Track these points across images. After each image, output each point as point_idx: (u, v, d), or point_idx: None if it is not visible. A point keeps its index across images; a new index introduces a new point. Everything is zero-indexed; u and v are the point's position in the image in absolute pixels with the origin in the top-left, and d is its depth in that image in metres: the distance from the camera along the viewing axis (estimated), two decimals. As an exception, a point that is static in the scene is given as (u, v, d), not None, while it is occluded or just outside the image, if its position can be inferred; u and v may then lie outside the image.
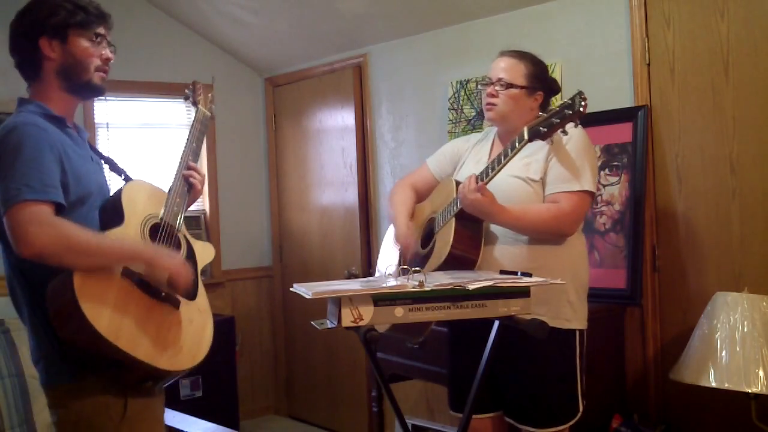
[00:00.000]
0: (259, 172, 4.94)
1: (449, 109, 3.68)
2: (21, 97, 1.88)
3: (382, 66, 4.11)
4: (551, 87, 2.43)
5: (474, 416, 2.37)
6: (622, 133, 2.96)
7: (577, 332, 2.31)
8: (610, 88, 3.00)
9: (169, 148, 4.56)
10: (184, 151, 2.08)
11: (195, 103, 2.22)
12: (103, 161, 2.05)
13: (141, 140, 4.47)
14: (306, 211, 4.68)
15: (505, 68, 2.36)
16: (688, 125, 2.83)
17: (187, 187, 2.04)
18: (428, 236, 2.43)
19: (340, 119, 4.38)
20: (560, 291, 2.25)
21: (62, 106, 1.88)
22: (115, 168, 2.09)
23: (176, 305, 1.84)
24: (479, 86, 2.73)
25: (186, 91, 2.28)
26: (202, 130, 2.16)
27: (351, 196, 4.32)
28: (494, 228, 2.29)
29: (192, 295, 1.91)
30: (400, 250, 2.55)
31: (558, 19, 3.22)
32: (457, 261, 2.22)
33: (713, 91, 2.76)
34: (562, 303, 2.27)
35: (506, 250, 2.28)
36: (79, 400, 1.75)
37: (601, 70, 3.05)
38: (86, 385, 1.74)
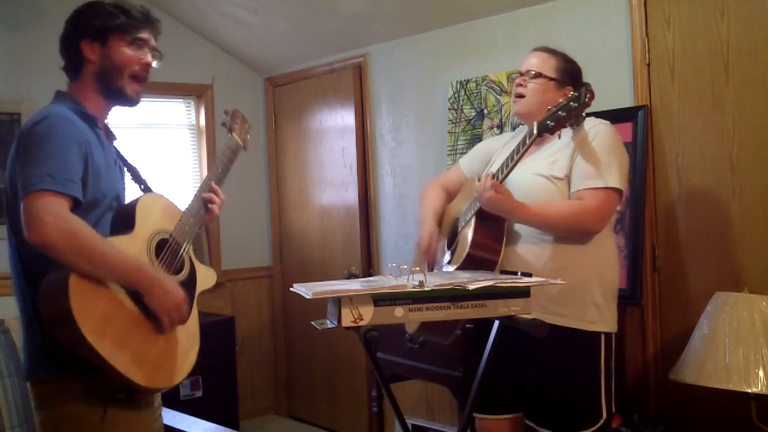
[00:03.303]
0: (259, 172, 4.93)
1: (449, 109, 3.68)
2: (59, 90, 1.92)
3: (382, 66, 4.11)
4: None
5: (493, 416, 2.35)
6: (622, 133, 2.93)
7: (603, 335, 2.21)
8: (610, 88, 3.00)
9: (169, 148, 4.57)
10: (208, 174, 2.12)
11: (230, 131, 2.25)
12: (126, 169, 2.06)
13: (141, 140, 4.46)
14: (306, 211, 4.68)
15: (535, 61, 2.34)
16: (688, 125, 2.83)
17: (203, 210, 2.04)
18: (454, 236, 2.41)
19: (340, 119, 4.38)
20: (585, 292, 2.19)
21: (96, 108, 1.91)
22: (136, 177, 2.09)
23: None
24: (510, 79, 2.67)
25: (224, 116, 2.30)
26: (231, 158, 2.19)
27: (351, 196, 4.32)
28: (518, 227, 2.25)
29: (183, 319, 1.89)
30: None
31: (558, 19, 3.22)
32: (477, 260, 2.18)
33: (713, 91, 2.76)
34: (587, 304, 2.19)
35: (529, 249, 2.22)
36: (60, 401, 1.75)
37: (601, 70, 3.05)
38: (67, 387, 1.74)
